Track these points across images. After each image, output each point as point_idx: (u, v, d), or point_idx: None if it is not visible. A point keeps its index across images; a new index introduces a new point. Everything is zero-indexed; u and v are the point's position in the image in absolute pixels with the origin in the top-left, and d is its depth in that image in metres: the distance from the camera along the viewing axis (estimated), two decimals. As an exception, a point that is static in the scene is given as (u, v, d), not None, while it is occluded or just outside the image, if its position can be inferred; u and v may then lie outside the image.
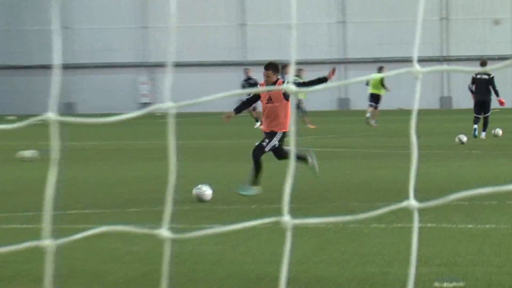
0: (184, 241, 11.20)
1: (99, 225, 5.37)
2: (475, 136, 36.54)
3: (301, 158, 19.99)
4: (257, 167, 19.85)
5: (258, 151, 19.99)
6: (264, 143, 19.90)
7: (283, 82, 20.95)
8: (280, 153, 19.93)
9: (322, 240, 14.32)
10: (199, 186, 19.51)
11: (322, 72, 67.07)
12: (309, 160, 20.35)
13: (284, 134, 19.80)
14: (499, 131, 37.78)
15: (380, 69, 48.87)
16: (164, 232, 3.31)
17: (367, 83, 48.70)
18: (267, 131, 20.15)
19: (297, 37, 3.23)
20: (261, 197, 19.58)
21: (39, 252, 2.98)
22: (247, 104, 21.05)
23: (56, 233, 2.81)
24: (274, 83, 20.13)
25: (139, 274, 12.30)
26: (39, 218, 6.04)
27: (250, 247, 13.80)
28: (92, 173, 25.92)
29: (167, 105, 3.48)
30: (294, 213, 3.35)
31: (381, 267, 12.41)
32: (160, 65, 74.57)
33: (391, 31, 75.93)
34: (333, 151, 32.55)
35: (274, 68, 20.31)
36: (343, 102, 79.22)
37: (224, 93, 3.27)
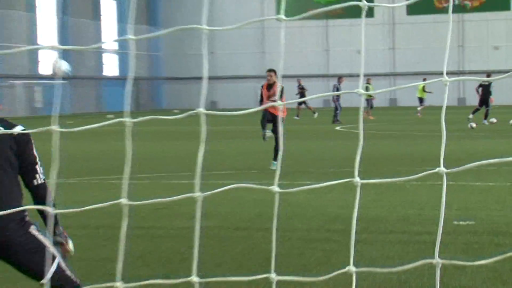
0: (287, 193, 11.29)
1: (233, 182, 5.42)
2: (468, 119, 37.55)
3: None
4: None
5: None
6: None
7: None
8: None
9: (378, 192, 14.24)
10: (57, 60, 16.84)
11: (380, 82, 65.25)
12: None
13: (283, 119, 19.29)
14: (494, 120, 38.01)
15: (423, 80, 49.98)
16: (275, 188, 3.28)
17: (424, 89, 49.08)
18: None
19: (363, 58, 3.18)
20: (336, 163, 19.53)
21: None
22: (260, 103, 19.51)
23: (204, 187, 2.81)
24: (273, 83, 19.31)
25: (256, 214, 12.33)
26: (191, 177, 6.14)
27: (331, 197, 13.78)
28: (227, 147, 26.04)
29: (278, 103, 3.47)
30: (360, 175, 3.32)
31: (418, 210, 12.32)
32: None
33: (427, 53, 75.06)
34: (385, 133, 32.32)
35: (275, 72, 19.57)
36: (393, 101, 78.53)
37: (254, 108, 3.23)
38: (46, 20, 70.05)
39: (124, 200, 3.02)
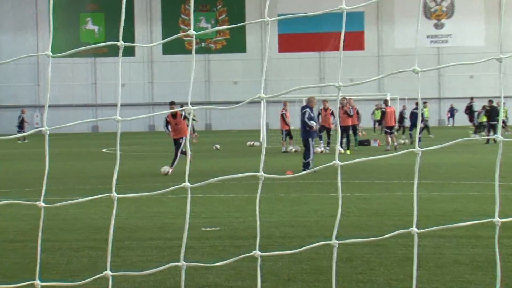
0: (58, 208, 11.09)
1: (7, 199, 5.07)
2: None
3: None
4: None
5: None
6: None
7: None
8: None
9: (138, 204, 14.08)
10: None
11: (141, 111, 63.67)
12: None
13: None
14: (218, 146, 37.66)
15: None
16: (41, 203, 3.12)
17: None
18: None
19: (121, 90, 3.11)
20: (102, 181, 19.17)
21: None
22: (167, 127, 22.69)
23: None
24: (176, 113, 21.73)
25: (29, 228, 11.80)
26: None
27: (96, 210, 13.45)
28: (2, 169, 24.77)
29: (44, 127, 3.31)
30: (120, 191, 3.22)
31: (171, 220, 12.28)
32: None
33: (180, 86, 75.84)
34: (145, 154, 32.15)
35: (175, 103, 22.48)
36: (151, 127, 78.70)
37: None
38: None
39: None
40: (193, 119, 45.67)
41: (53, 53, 3.31)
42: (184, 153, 22.07)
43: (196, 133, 45.53)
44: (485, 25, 75.20)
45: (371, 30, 76.16)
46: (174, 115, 22.24)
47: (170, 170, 21.34)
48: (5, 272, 8.53)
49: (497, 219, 3.01)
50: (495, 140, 36.42)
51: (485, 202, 13.63)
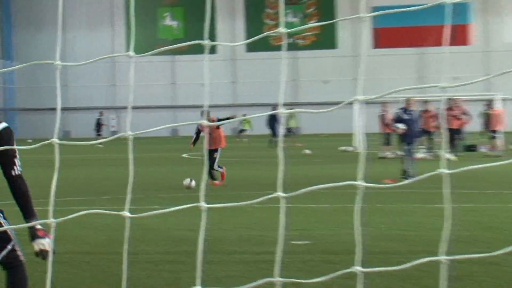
0: (136, 218, 11.29)
1: (86, 208, 5.23)
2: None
3: None
4: None
5: None
6: None
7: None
8: None
9: (223, 215, 14.18)
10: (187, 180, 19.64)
11: (223, 112, 65.24)
12: None
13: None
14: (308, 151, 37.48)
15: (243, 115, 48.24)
16: (126, 213, 3.18)
17: None
18: None
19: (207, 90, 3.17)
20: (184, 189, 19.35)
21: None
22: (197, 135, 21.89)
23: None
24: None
25: (106, 239, 12.02)
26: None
27: (177, 220, 13.62)
28: (79, 174, 25.37)
29: (128, 133, 3.38)
30: (206, 199, 3.25)
31: (259, 232, 12.31)
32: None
33: (264, 86, 76.15)
34: (232, 160, 32.43)
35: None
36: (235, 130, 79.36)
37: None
38: None
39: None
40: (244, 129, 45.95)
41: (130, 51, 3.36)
42: (212, 176, 20.57)
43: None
44: None
45: (477, 22, 74.80)
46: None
47: (193, 183, 19.75)
48: (79, 286, 8.72)
49: None
50: None
51: None
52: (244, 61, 78.90)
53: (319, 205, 15.67)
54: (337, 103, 3.52)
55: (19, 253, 5.77)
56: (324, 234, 11.99)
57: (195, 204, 3.31)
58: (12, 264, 5.73)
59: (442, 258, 2.99)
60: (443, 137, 30.98)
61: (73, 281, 8.93)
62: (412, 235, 11.76)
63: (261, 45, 74.70)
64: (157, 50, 3.32)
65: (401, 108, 21.94)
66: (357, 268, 3.03)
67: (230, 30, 77.44)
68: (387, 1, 63.26)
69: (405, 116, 21.46)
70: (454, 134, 31.42)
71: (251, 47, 76.86)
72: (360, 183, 3.10)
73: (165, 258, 10.36)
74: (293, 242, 11.16)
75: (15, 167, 5.69)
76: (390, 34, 75.31)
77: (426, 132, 31.64)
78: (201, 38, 3.54)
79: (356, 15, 3.12)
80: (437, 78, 69.50)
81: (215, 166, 20.85)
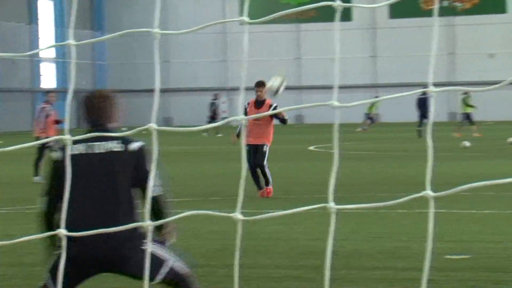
0: (253, 225, 11.28)
1: (189, 210, 5.41)
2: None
3: None
4: None
5: None
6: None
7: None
8: None
9: (358, 222, 14.23)
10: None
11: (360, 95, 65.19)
12: None
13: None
14: (467, 143, 35.13)
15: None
16: (238, 215, 3.26)
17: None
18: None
19: (339, 68, 3.18)
20: (310, 188, 19.54)
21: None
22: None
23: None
24: (264, 100, 18.72)
25: (216, 249, 12.26)
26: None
27: (304, 227, 13.75)
28: (182, 170, 25.90)
29: (240, 117, 3.46)
30: (336, 201, 3.29)
31: (404, 243, 12.32)
32: (236, 88, 75.42)
33: (411, 62, 75.39)
34: (364, 154, 32.34)
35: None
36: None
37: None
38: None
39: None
40: (470, 106, 45.13)
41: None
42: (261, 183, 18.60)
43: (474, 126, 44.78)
44: None
45: None
46: (259, 103, 18.81)
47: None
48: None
49: None
50: None
51: None
52: (386, 30, 78.38)
53: (480, 210, 15.49)
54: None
55: (178, 269, 6.87)
56: (487, 247, 11.86)
57: (322, 205, 3.34)
58: (174, 281, 6.87)
59: None
60: None
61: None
62: None
63: (409, 10, 74.06)
64: (276, 14, 3.36)
65: None
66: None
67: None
68: None
69: None
70: None
71: (396, 12, 76.28)
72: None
73: (288, 273, 10.46)
74: (447, 256, 11.09)
75: (152, 188, 6.30)
76: None
77: None
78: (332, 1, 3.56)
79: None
80: None
81: (266, 169, 18.74)
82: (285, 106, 3.82)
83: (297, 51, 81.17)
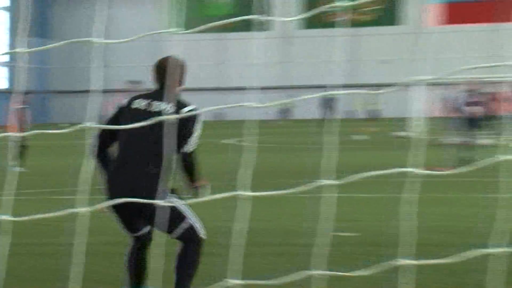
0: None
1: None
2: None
3: None
4: None
5: None
6: None
7: None
8: None
9: (265, 203, 14.29)
10: None
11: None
12: None
13: None
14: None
15: None
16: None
17: None
18: None
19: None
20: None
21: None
22: None
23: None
24: None
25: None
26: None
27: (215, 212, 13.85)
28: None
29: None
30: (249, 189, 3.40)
31: (300, 223, 12.47)
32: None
33: (321, 67, 75.79)
34: (276, 146, 32.32)
35: None
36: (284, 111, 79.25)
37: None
38: None
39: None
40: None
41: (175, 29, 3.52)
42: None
43: None
44: None
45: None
46: None
47: None
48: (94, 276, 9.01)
49: None
50: None
51: None
52: (300, 39, 78.62)
53: (371, 194, 15.76)
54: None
55: (197, 230, 6.93)
56: (373, 225, 12.11)
57: (231, 193, 3.29)
58: (188, 239, 6.89)
59: (495, 251, 3.00)
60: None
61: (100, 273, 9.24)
62: (470, 227, 11.86)
63: (318, 21, 74.45)
64: (203, 26, 3.47)
65: (468, 90, 21.92)
66: (400, 260, 3.13)
67: (281, 5, 77.20)
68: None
69: (472, 99, 21.46)
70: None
71: (308, 24, 76.61)
72: (413, 170, 3.18)
73: (205, 250, 10.58)
74: (339, 234, 11.31)
75: (188, 145, 6.72)
76: (460, 9, 74.52)
77: (491, 117, 31.43)
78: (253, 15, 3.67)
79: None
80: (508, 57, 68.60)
81: None
82: (209, 106, 3.90)
83: (221, 57, 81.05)
